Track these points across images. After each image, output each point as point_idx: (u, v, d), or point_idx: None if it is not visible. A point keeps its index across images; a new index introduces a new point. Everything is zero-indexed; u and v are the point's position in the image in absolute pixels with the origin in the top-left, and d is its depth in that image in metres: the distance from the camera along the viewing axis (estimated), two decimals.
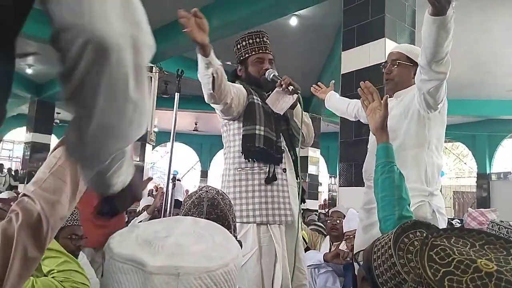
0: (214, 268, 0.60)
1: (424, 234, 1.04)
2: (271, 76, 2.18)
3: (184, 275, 0.57)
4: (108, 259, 0.59)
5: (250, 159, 2.07)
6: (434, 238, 0.76)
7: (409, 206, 1.55)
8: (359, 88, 1.84)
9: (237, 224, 1.91)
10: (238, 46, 2.28)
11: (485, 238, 0.77)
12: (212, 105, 2.05)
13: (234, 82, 2.20)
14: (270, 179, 2.05)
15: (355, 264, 1.23)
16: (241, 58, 2.28)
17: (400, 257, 1.00)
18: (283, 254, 2.05)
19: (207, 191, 1.41)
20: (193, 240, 0.65)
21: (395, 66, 2.09)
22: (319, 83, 2.76)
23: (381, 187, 1.56)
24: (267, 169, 2.07)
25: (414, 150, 1.96)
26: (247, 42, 2.24)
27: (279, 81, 2.10)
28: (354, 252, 1.22)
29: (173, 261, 0.58)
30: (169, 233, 0.66)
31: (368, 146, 2.24)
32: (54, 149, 0.81)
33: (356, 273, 1.19)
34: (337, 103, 2.62)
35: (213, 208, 1.36)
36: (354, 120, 2.60)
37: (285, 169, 2.13)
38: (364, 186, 2.26)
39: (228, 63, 2.29)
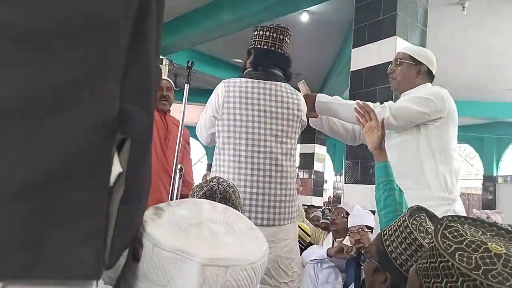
0: (256, 260, 0.63)
1: (427, 218, 1.15)
2: None
3: (232, 267, 0.59)
4: (150, 247, 0.60)
5: None
6: (448, 221, 0.80)
7: None
8: (355, 107, 1.87)
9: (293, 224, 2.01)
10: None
11: (495, 230, 0.81)
12: None
13: (288, 78, 2.12)
14: None
15: (362, 260, 1.27)
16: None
17: (417, 234, 1.07)
18: None
19: (219, 183, 1.42)
20: (223, 229, 0.67)
21: (398, 65, 2.16)
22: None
23: (384, 204, 1.64)
24: None
25: (429, 160, 2.01)
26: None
27: None
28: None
29: (219, 253, 0.60)
30: (199, 219, 0.68)
31: None
32: None
33: (362, 268, 1.24)
34: (335, 120, 2.35)
35: (225, 201, 1.38)
36: (349, 142, 2.48)
37: None
38: (368, 184, 2.29)
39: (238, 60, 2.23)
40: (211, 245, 0.61)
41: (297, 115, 2.02)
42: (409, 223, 1.09)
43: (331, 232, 3.47)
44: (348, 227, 2.93)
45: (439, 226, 0.79)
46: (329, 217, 3.94)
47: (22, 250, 0.44)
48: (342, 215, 3.25)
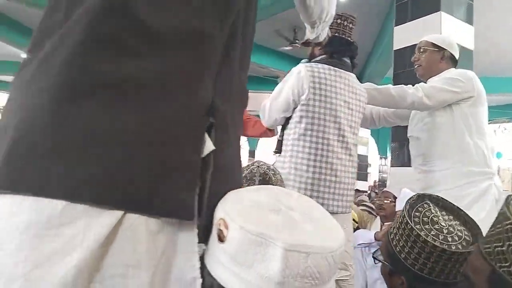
0: (335, 248, 0.64)
1: (431, 205, 1.09)
2: None
3: (312, 254, 0.61)
4: (236, 228, 0.62)
5: None
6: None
7: None
8: None
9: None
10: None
11: None
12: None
13: (353, 67, 2.15)
14: None
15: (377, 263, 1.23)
16: None
17: (420, 229, 1.03)
18: None
19: (258, 166, 1.45)
20: (301, 217, 0.69)
21: (422, 53, 2.29)
22: None
23: None
24: None
25: (467, 138, 2.09)
26: None
27: None
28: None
29: (300, 239, 0.61)
30: (278, 206, 0.70)
31: (408, 135, 2.39)
32: None
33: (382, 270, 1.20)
34: None
35: (264, 183, 1.39)
36: (371, 127, 2.62)
37: None
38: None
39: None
40: (292, 232, 0.63)
41: (364, 107, 2.08)
42: (410, 219, 1.04)
43: (378, 216, 3.41)
44: (396, 210, 2.87)
45: (509, 206, 0.74)
46: (374, 201, 3.87)
47: (143, 189, 0.58)
48: (390, 199, 3.18)
